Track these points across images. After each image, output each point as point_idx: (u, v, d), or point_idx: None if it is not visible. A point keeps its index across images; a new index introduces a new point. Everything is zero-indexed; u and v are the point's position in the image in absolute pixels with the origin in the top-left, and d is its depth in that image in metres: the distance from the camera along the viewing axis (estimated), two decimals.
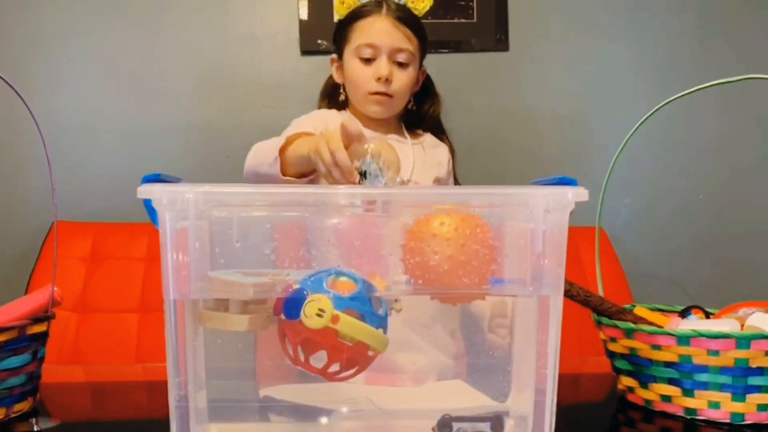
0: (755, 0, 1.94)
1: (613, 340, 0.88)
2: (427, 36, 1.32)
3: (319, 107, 1.40)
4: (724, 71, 0.97)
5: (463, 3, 1.85)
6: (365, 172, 0.70)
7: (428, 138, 1.38)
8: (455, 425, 0.72)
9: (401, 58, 1.26)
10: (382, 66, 1.25)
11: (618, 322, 0.86)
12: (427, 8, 1.28)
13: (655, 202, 1.95)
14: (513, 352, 0.74)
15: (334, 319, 0.62)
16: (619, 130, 0.99)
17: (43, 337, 0.85)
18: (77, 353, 1.54)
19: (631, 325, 0.84)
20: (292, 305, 0.63)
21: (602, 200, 1.01)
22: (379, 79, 1.25)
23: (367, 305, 0.64)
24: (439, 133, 1.40)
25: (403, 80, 1.27)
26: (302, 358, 0.66)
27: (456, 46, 1.87)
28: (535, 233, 0.63)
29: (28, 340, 0.81)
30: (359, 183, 0.73)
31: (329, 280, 0.64)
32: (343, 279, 0.65)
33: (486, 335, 0.94)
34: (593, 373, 1.16)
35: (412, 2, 1.26)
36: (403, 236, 0.67)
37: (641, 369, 0.85)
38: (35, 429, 0.79)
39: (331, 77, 1.38)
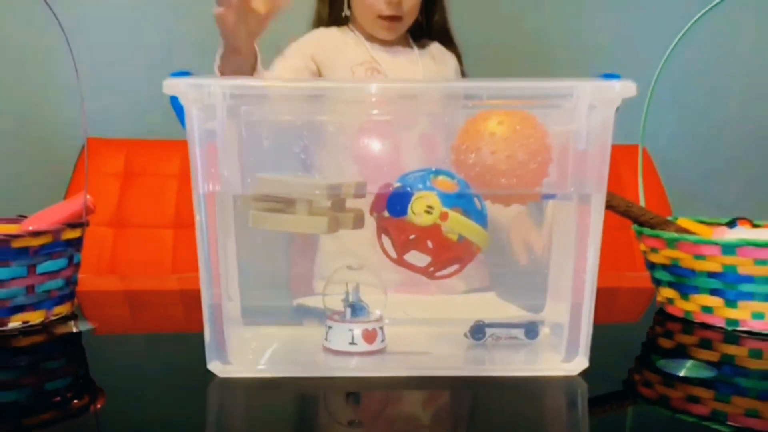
0: None
1: (654, 250, 0.85)
2: None
3: (317, 20, 1.31)
4: None
5: None
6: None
7: (435, 46, 1.32)
8: (488, 330, 0.71)
9: None
10: None
11: (660, 232, 0.83)
12: None
13: (699, 120, 1.87)
14: (550, 263, 0.72)
15: (443, 215, 0.62)
16: (663, 42, 0.93)
17: (77, 243, 0.86)
18: (114, 267, 1.58)
19: (675, 235, 0.81)
20: (397, 201, 0.63)
21: (646, 113, 0.96)
22: (389, 2, 1.18)
23: (471, 203, 0.63)
24: (447, 41, 1.34)
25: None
26: (404, 257, 0.66)
27: None
28: (579, 128, 0.59)
29: (64, 245, 0.82)
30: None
31: (431, 178, 0.63)
32: (441, 177, 0.64)
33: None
34: (631, 287, 1.14)
35: None
36: (454, 137, 0.65)
37: (683, 280, 0.82)
38: (74, 330, 0.81)
39: None
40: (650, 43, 1.77)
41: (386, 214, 0.65)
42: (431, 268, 0.66)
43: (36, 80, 1.83)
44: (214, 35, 2.00)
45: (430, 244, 0.64)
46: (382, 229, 0.66)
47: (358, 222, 0.65)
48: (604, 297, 1.02)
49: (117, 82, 1.80)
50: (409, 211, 0.62)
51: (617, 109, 0.60)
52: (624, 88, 0.58)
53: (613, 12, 1.85)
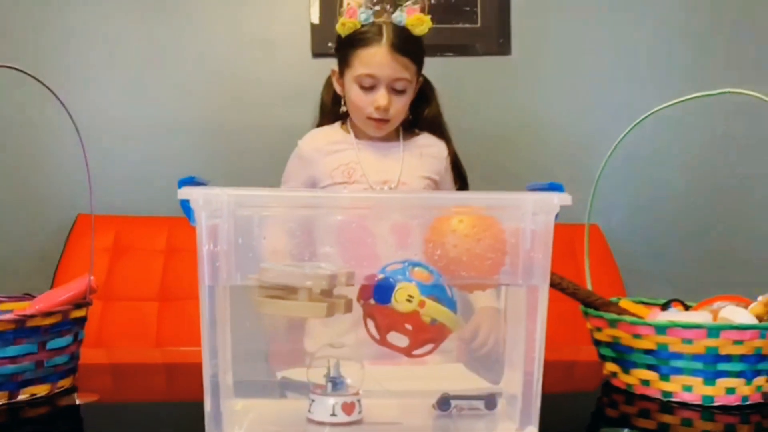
0: (746, 12, 2.02)
1: (599, 329, 0.96)
2: (424, 54, 1.39)
3: (321, 106, 1.49)
4: (716, 79, 1.04)
5: (467, 9, 1.94)
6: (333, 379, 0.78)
7: (424, 137, 1.46)
8: (453, 402, 0.81)
9: (399, 86, 1.34)
10: (381, 97, 1.33)
11: (603, 313, 0.94)
12: (426, 31, 1.35)
13: (651, 201, 2.03)
14: (506, 340, 0.83)
15: (421, 303, 0.72)
16: (616, 131, 1.07)
17: (82, 321, 0.94)
18: (101, 339, 1.64)
19: (615, 316, 0.93)
20: (382, 291, 0.73)
21: (592, 199, 1.09)
22: (377, 108, 1.34)
23: (443, 292, 0.75)
24: (437, 131, 1.47)
25: (400, 104, 1.36)
26: (386, 338, 0.76)
27: (460, 50, 1.96)
28: (525, 232, 0.72)
29: (71, 324, 0.90)
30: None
31: (410, 270, 0.74)
32: (418, 269, 0.75)
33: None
34: (585, 361, 1.24)
35: (411, 26, 1.34)
36: (426, 232, 0.77)
37: (623, 356, 0.93)
38: (77, 402, 0.88)
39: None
40: (606, 129, 1.94)
41: (372, 301, 0.75)
42: (410, 348, 0.76)
43: (26, 156, 1.92)
44: (198, 119, 2.12)
45: (408, 326, 0.75)
46: (368, 314, 0.77)
47: (348, 307, 0.76)
48: (562, 369, 1.12)
49: (106, 161, 1.89)
50: (392, 299, 0.73)
51: (557, 215, 0.73)
52: (561, 199, 0.71)
53: (572, 97, 2.02)
